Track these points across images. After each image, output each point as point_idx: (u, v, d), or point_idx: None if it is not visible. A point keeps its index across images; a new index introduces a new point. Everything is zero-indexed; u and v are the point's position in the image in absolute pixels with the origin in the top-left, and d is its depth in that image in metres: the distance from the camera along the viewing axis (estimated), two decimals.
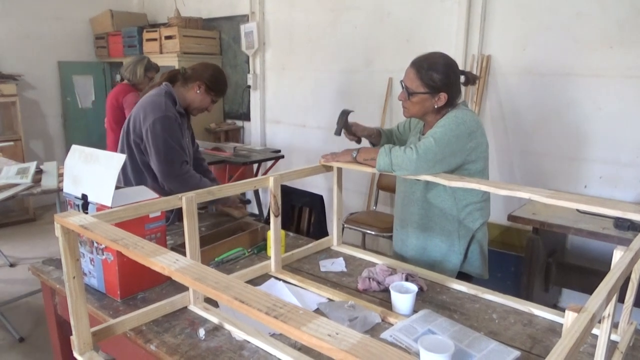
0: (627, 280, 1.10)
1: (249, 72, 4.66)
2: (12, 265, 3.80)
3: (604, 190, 2.89)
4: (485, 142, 1.71)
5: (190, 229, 1.31)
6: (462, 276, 1.75)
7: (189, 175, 2.06)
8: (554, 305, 3.04)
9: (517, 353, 1.14)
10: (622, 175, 2.83)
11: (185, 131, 2.17)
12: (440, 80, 1.64)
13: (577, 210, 2.49)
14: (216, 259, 1.70)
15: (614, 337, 1.18)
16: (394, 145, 1.59)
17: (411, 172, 1.54)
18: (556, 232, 2.58)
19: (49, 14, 5.05)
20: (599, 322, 0.91)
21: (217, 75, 2.20)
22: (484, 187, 1.39)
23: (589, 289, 0.79)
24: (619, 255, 0.94)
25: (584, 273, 2.80)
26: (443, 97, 1.66)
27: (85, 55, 5.41)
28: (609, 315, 0.92)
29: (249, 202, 2.47)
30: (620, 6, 2.68)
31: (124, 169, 2.07)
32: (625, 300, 1.17)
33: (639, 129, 2.73)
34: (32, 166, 2.93)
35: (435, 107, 1.68)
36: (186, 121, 2.21)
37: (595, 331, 1.09)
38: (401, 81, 1.72)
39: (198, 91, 2.15)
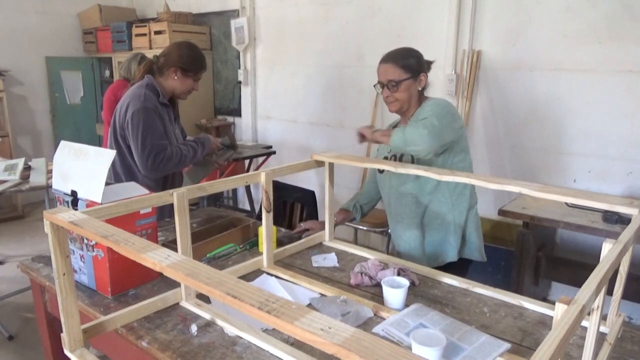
0: (615, 272, 1.12)
1: (239, 68, 4.64)
2: (0, 262, 3.76)
3: (593, 184, 2.92)
4: (463, 126, 1.83)
5: (182, 225, 1.30)
6: (462, 262, 1.84)
7: (165, 162, 2.02)
8: (544, 299, 3.08)
9: (507, 345, 1.15)
10: (610, 170, 2.86)
11: (171, 123, 2.15)
12: (416, 63, 1.80)
13: (566, 204, 2.52)
14: (208, 255, 1.69)
15: (602, 328, 1.20)
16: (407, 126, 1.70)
17: (424, 147, 1.61)
18: (546, 226, 2.60)
19: (36, 8, 4.98)
20: (588, 314, 0.92)
21: (189, 53, 2.13)
22: (474, 181, 1.40)
23: (578, 282, 0.79)
24: (607, 248, 0.95)
25: (573, 266, 2.84)
26: (423, 77, 1.81)
27: (73, 51, 5.35)
28: (598, 307, 0.93)
29: (232, 146, 2.51)
30: (610, 1, 2.70)
31: (112, 164, 2.06)
32: (614, 293, 1.19)
33: (627, 124, 2.76)
34: (20, 162, 2.90)
35: (419, 89, 1.82)
36: (172, 112, 2.18)
37: (584, 323, 1.10)
38: (378, 83, 1.82)
39: (176, 77, 2.11)
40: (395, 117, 1.99)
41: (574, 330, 0.68)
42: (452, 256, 1.84)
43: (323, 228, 1.88)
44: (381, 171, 1.93)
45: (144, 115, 1.99)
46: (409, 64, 1.78)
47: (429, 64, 1.88)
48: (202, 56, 2.18)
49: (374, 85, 1.86)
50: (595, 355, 1.01)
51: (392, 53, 1.84)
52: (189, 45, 2.17)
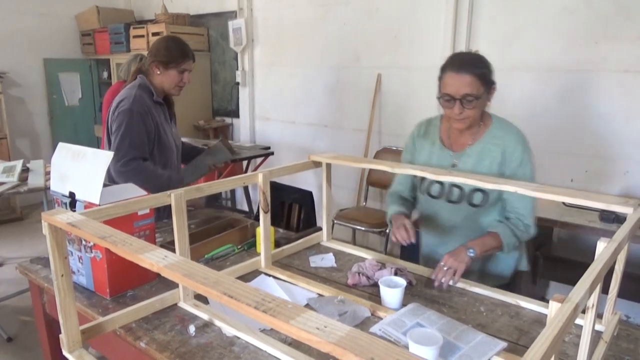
0: (612, 271, 1.13)
1: (237, 69, 4.64)
2: None
3: (590, 183, 2.93)
4: None
5: (180, 226, 1.31)
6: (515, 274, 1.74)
7: (131, 172, 1.95)
8: (542, 298, 3.07)
9: (503, 344, 1.15)
10: (607, 169, 2.87)
11: (167, 122, 2.14)
12: (489, 73, 1.53)
13: (564, 204, 2.53)
14: (206, 256, 1.70)
15: (598, 327, 1.21)
16: (509, 227, 1.54)
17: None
18: (543, 226, 2.60)
19: (34, 9, 4.98)
20: (584, 312, 0.93)
21: (165, 44, 2.08)
22: (470, 181, 1.41)
23: (576, 281, 0.80)
24: (602, 246, 0.96)
25: (571, 266, 2.84)
26: (493, 89, 1.56)
27: (71, 52, 5.35)
28: (593, 305, 0.94)
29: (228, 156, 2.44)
30: (605, 2, 2.71)
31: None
32: (610, 291, 1.20)
33: (623, 123, 2.77)
34: (18, 164, 2.90)
35: (488, 102, 1.58)
36: (167, 111, 2.17)
37: (580, 322, 1.11)
38: (444, 96, 1.52)
39: (159, 72, 2.08)
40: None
41: (567, 328, 0.69)
42: (509, 272, 1.70)
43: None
44: (434, 196, 1.66)
45: (128, 117, 1.97)
46: (484, 74, 1.50)
47: None
48: (181, 46, 2.10)
49: (438, 99, 1.54)
50: (591, 354, 1.02)
51: (464, 60, 1.53)
52: (166, 38, 2.15)
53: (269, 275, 1.57)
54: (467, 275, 1.51)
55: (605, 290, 1.06)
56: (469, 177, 1.42)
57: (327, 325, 0.63)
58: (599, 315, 1.20)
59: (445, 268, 1.45)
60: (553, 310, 0.71)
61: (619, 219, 2.37)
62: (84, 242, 1.42)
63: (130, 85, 2.09)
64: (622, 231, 1.03)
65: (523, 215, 1.56)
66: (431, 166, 1.64)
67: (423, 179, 1.67)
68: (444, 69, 1.54)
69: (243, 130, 4.78)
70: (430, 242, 1.78)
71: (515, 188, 1.31)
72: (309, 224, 2.60)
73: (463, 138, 1.63)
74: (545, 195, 1.28)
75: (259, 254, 1.66)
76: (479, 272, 1.67)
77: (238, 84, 4.67)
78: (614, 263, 1.14)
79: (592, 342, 0.96)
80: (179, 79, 2.10)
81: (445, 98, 1.51)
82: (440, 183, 1.63)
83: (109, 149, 2.06)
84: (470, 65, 1.49)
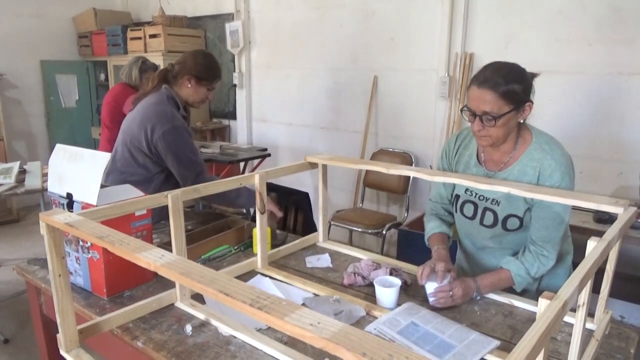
0: (603, 271, 1.14)
1: (234, 71, 4.66)
2: None
3: (585, 185, 2.95)
4: None
5: (177, 226, 1.32)
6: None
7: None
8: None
9: (496, 342, 1.17)
10: (601, 170, 2.89)
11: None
12: (522, 91, 1.39)
13: None
14: (203, 257, 1.71)
15: (590, 325, 1.22)
16: (524, 266, 1.43)
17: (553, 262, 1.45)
18: None
19: (31, 12, 4.99)
20: (573, 310, 0.94)
21: (204, 61, 2.07)
22: (465, 182, 1.42)
23: None
24: (592, 245, 0.98)
25: None
26: (529, 107, 1.41)
27: (68, 54, 5.35)
28: (583, 303, 0.95)
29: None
30: (599, 5, 2.74)
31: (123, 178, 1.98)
32: (601, 290, 1.22)
33: (617, 125, 2.80)
34: (15, 166, 2.91)
35: (521, 121, 1.44)
36: (187, 123, 2.12)
37: (572, 320, 1.13)
38: (466, 109, 1.41)
39: (189, 85, 2.05)
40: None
41: (556, 325, 0.70)
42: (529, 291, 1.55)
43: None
44: (467, 216, 1.59)
45: (178, 134, 1.95)
46: (512, 91, 1.35)
47: (533, 77, 1.46)
48: (217, 65, 2.13)
49: (461, 110, 1.46)
50: (582, 352, 1.03)
51: (492, 74, 1.37)
52: (205, 54, 2.13)
53: (265, 276, 1.59)
54: (523, 293, 1.47)
55: (596, 290, 1.08)
56: (463, 178, 1.43)
57: (320, 321, 0.64)
58: (591, 314, 1.21)
59: (450, 293, 1.36)
60: (542, 307, 0.73)
61: (613, 220, 2.38)
62: (81, 243, 1.43)
63: (158, 100, 2.00)
64: (612, 230, 1.05)
65: (545, 243, 1.43)
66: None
67: (457, 197, 1.61)
68: (472, 79, 1.42)
69: (240, 132, 4.79)
70: (461, 257, 1.76)
71: (508, 189, 1.33)
72: (306, 224, 2.61)
73: (498, 155, 1.51)
74: (538, 195, 1.30)
75: (255, 255, 1.67)
76: (536, 291, 1.55)
77: (235, 85, 4.69)
78: (605, 262, 1.16)
79: (583, 341, 0.98)
80: (206, 96, 2.11)
81: (468, 112, 1.41)
82: (474, 204, 1.56)
83: (128, 160, 2.03)
84: (494, 82, 1.35)
